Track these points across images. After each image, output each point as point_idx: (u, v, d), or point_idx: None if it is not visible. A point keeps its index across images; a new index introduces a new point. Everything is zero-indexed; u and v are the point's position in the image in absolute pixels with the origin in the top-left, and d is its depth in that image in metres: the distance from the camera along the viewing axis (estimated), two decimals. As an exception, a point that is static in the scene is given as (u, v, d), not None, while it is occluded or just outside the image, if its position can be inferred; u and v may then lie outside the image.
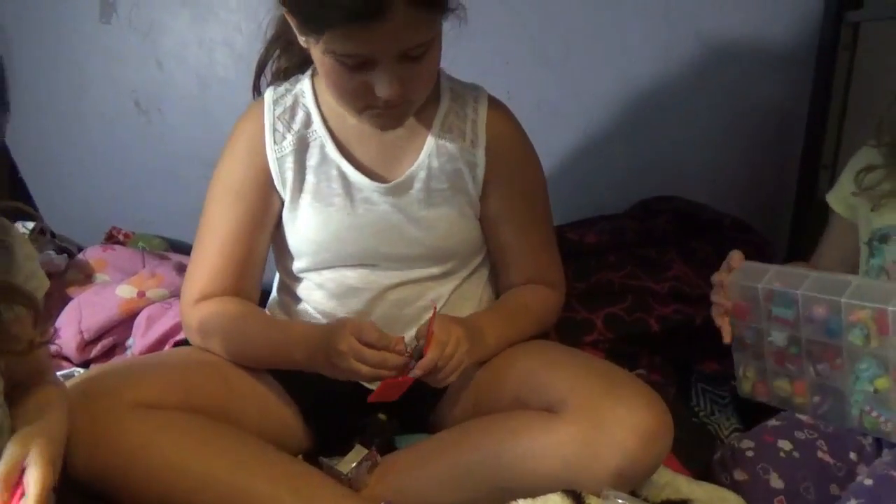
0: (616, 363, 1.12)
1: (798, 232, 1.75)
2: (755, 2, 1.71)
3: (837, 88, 1.63)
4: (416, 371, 0.97)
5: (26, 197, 1.85)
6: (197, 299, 1.11)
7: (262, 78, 1.17)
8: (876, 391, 1.01)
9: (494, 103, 1.15)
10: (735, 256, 1.12)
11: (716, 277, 1.12)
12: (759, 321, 1.10)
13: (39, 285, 0.86)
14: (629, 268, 1.52)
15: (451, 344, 0.98)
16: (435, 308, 1.03)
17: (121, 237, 1.86)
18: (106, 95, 1.84)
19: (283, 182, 1.11)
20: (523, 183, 1.16)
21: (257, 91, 1.16)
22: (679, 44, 1.73)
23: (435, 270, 1.14)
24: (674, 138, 1.81)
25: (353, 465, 1.03)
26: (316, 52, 0.97)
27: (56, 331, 1.43)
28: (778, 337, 1.08)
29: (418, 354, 0.98)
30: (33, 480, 0.70)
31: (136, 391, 0.96)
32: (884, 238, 1.10)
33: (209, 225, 1.13)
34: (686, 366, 1.45)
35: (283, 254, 1.18)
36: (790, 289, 1.04)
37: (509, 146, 1.14)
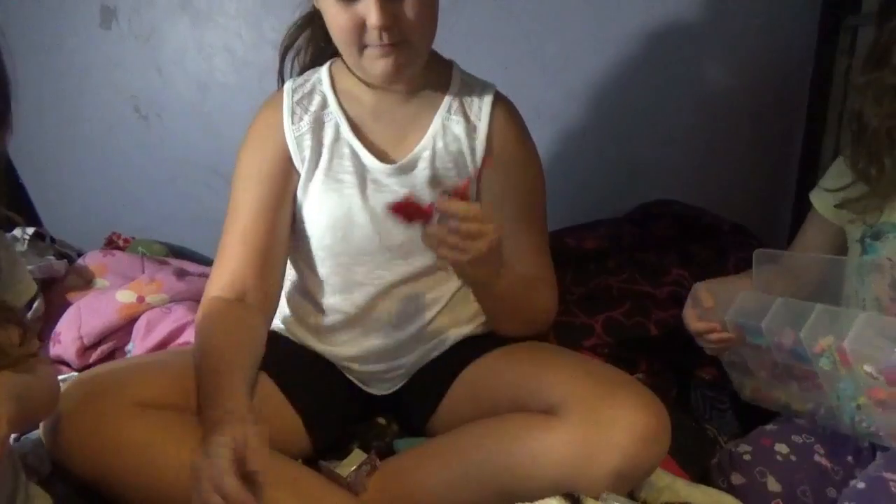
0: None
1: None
2: (754, 6, 1.71)
3: (836, 93, 1.63)
4: (440, 203, 0.94)
5: (26, 202, 1.85)
6: (215, 292, 1.12)
7: (286, 63, 1.20)
8: (859, 407, 1.01)
9: (501, 98, 1.16)
10: (701, 294, 1.12)
11: (690, 318, 1.13)
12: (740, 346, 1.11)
13: (24, 290, 0.85)
14: (628, 272, 1.52)
15: (484, 221, 0.94)
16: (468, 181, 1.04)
17: (120, 242, 1.85)
18: (106, 101, 1.85)
19: (302, 159, 1.13)
20: (520, 179, 1.16)
21: (281, 77, 1.20)
22: (677, 48, 1.74)
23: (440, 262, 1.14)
24: (673, 142, 1.82)
25: (353, 468, 1.03)
26: None
27: (55, 336, 1.43)
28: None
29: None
30: None
31: (136, 390, 0.96)
32: (877, 235, 1.10)
33: (232, 213, 1.14)
34: (685, 370, 1.44)
35: (293, 244, 1.18)
36: (754, 321, 1.04)
37: (509, 140, 1.15)
